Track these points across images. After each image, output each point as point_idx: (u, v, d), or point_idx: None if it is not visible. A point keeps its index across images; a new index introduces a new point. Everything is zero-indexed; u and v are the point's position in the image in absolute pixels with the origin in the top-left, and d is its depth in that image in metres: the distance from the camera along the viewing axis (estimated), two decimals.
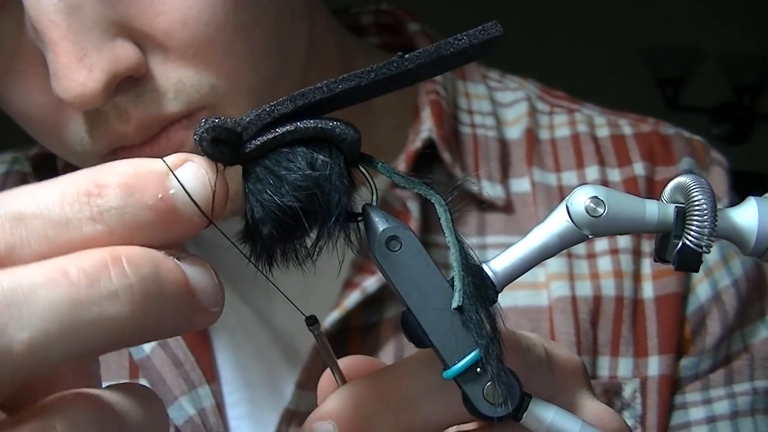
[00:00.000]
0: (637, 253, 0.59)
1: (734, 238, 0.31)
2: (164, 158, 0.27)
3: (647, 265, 0.59)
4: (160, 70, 0.44)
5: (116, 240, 0.25)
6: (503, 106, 0.65)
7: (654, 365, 0.57)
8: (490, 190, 0.59)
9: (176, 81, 0.44)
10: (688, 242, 0.30)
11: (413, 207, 0.57)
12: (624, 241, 0.59)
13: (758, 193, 0.32)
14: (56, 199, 0.25)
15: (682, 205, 0.31)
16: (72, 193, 0.25)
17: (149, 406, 0.28)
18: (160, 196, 0.26)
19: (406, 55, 0.29)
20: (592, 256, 0.59)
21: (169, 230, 0.26)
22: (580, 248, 0.59)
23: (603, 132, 0.64)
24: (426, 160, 0.58)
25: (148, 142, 0.46)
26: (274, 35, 0.47)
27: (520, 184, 0.61)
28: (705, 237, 0.30)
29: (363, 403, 0.32)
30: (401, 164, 0.57)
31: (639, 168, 0.62)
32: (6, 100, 0.47)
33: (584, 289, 0.58)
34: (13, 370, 0.23)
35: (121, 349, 0.31)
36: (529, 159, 0.62)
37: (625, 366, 0.57)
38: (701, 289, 0.59)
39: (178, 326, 0.27)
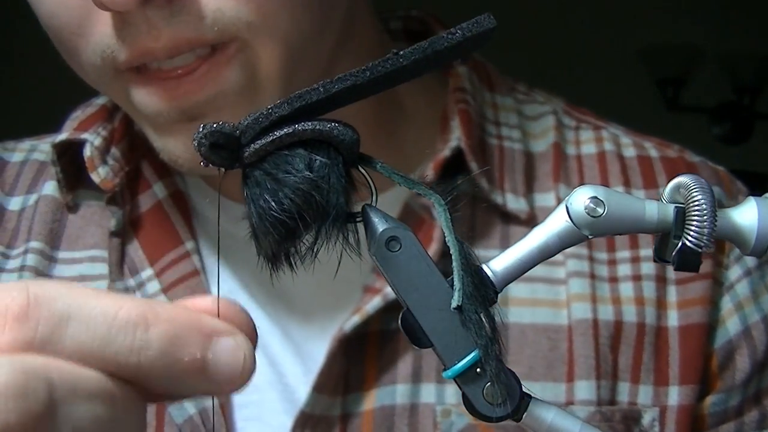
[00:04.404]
0: (661, 280, 0.59)
1: (734, 238, 0.31)
2: (213, 321, 0.28)
3: (673, 293, 0.59)
4: None
5: (142, 373, 0.27)
6: (530, 119, 0.65)
7: (674, 395, 0.57)
8: (514, 202, 0.58)
9: (215, 9, 0.45)
10: (687, 242, 0.30)
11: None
12: (647, 268, 0.59)
13: (758, 193, 0.32)
14: (107, 318, 0.27)
15: (681, 205, 0.31)
16: (123, 318, 0.27)
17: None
18: (198, 356, 0.27)
19: (401, 52, 0.29)
20: (614, 280, 0.59)
21: (188, 385, 0.28)
22: (603, 271, 0.59)
23: (629, 152, 0.64)
24: (452, 169, 0.57)
25: (178, 77, 0.47)
26: None
27: (545, 199, 0.60)
28: (705, 237, 0.30)
29: None
30: (429, 171, 0.57)
31: None
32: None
33: (606, 313, 0.57)
34: None
35: None
36: (556, 174, 0.61)
37: (644, 393, 0.57)
38: (731, 323, 0.59)
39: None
